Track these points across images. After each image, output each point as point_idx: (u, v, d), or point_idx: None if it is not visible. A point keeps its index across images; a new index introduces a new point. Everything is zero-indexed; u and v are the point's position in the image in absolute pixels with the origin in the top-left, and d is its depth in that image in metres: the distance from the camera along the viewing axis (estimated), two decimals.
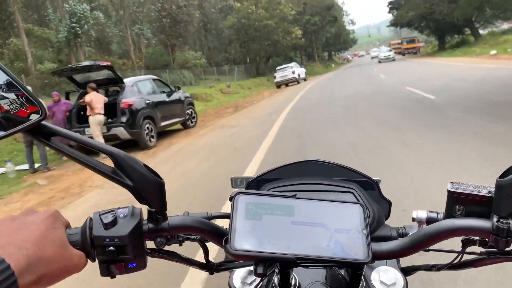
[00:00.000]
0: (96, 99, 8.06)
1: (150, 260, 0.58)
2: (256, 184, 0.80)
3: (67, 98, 9.45)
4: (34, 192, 6.18)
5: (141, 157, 7.45)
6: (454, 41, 43.35)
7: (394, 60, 38.74)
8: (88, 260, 0.54)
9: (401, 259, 0.64)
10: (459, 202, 0.55)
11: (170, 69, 32.49)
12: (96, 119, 8.02)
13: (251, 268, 0.62)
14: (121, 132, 8.27)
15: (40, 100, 0.54)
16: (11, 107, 0.51)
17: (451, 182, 0.57)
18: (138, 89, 8.99)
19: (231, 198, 0.52)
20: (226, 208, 3.46)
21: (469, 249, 0.57)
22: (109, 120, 8.37)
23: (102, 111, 8.06)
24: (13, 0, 21.38)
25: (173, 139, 9.53)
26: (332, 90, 15.73)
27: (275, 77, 28.29)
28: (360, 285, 0.57)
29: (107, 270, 0.54)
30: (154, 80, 10.15)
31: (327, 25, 49.70)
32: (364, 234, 0.51)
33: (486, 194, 0.54)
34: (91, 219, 0.54)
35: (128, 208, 0.56)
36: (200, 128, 10.84)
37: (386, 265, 0.65)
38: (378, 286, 0.62)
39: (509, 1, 33.64)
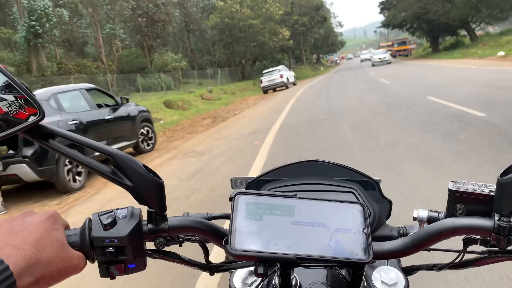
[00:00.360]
0: None
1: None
2: (256, 185, 0.78)
3: None
4: None
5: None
6: (448, 42, 41.20)
7: (390, 63, 35.09)
8: (88, 261, 0.54)
9: (402, 259, 0.63)
10: (460, 201, 0.55)
11: (147, 73, 29.56)
12: None
13: (252, 268, 0.62)
14: (24, 171, 5.37)
15: (39, 101, 0.52)
16: (10, 109, 0.50)
17: (452, 181, 0.57)
18: (58, 104, 6.09)
19: (231, 198, 0.51)
20: None
21: (470, 248, 0.57)
22: (8, 152, 5.48)
23: None
24: None
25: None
26: (330, 98, 12.97)
27: (261, 82, 25.54)
28: (361, 285, 0.56)
29: (106, 271, 0.54)
30: (89, 90, 7.21)
31: (316, 25, 47.17)
32: (365, 234, 0.51)
33: (487, 193, 0.54)
34: (90, 220, 0.54)
35: (127, 209, 0.55)
36: (158, 154, 7.95)
37: (387, 265, 0.64)
38: (379, 286, 0.61)
39: (507, 0, 31.56)
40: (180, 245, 0.62)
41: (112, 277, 0.55)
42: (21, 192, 6.30)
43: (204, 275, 2.51)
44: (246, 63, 39.31)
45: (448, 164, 4.16)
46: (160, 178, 0.56)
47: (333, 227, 0.51)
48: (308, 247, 0.49)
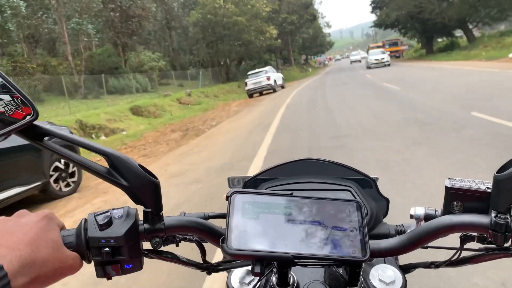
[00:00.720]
0: None
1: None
2: (253, 184, 0.78)
3: None
4: None
5: None
6: (442, 44, 39.05)
7: (389, 65, 29.69)
8: (84, 261, 0.53)
9: (399, 257, 0.63)
10: (457, 198, 0.55)
11: (120, 73, 26.55)
12: None
13: (249, 268, 0.58)
14: None
15: (32, 100, 0.52)
16: (6, 109, 0.50)
17: (448, 178, 0.57)
18: None
19: (227, 198, 0.51)
20: None
21: (467, 245, 0.57)
22: None
23: None
24: None
25: None
26: (330, 108, 10.21)
27: (246, 84, 22.76)
28: (359, 283, 0.55)
29: (103, 272, 0.54)
30: None
31: (305, 24, 44.60)
32: (362, 232, 0.50)
33: (484, 190, 0.53)
34: (86, 220, 0.54)
35: (124, 209, 0.55)
36: (76, 204, 5.08)
37: (385, 263, 0.64)
38: (377, 284, 0.61)
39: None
40: (177, 245, 0.62)
41: (109, 278, 0.54)
42: None
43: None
44: (231, 63, 36.51)
45: None
46: (156, 178, 0.55)
47: (330, 225, 0.50)
48: (305, 245, 0.49)
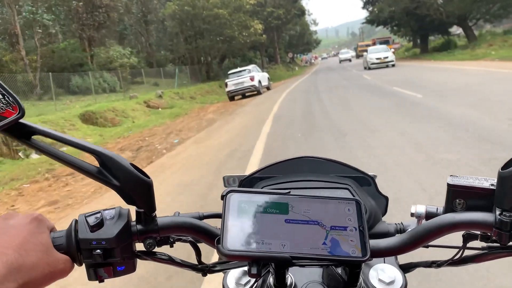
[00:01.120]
0: None
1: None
2: (249, 183, 0.76)
3: None
4: None
5: None
6: (438, 42, 36.47)
7: (393, 65, 23.77)
8: (75, 264, 0.52)
9: (399, 256, 0.60)
10: (460, 195, 0.53)
11: (85, 70, 23.09)
12: None
13: (246, 268, 0.59)
14: None
15: (18, 98, 0.50)
16: None
17: (450, 175, 0.55)
18: None
19: (222, 197, 0.49)
20: None
21: (470, 244, 0.55)
22: None
23: None
24: None
25: None
26: (340, 130, 7.01)
27: (226, 85, 19.59)
28: (358, 283, 0.54)
29: (94, 274, 0.52)
30: None
31: (293, 20, 41.54)
32: (361, 231, 0.49)
33: (488, 187, 0.52)
34: (76, 221, 0.52)
35: (115, 209, 0.53)
36: None
37: (384, 263, 0.62)
38: (377, 284, 0.59)
39: None
40: (171, 246, 0.60)
41: (101, 280, 0.53)
42: None
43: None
44: (212, 60, 33.23)
45: None
46: (149, 177, 0.53)
47: (328, 225, 0.49)
48: (303, 245, 0.47)
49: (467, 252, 0.56)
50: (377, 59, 24.16)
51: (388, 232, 0.66)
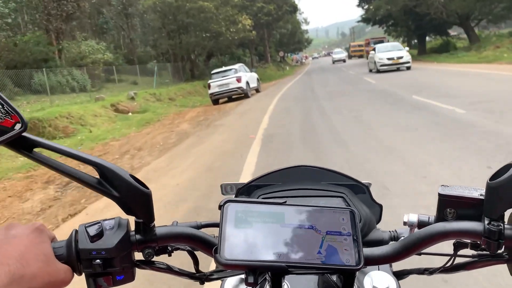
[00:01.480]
0: None
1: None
2: (246, 191, 0.77)
3: None
4: None
5: None
6: (436, 43, 34.30)
7: (409, 68, 19.06)
8: (75, 273, 0.52)
9: (393, 264, 0.61)
10: (450, 205, 0.54)
11: (51, 67, 20.24)
12: None
13: (243, 276, 0.57)
14: None
15: (19, 111, 0.50)
16: None
17: (441, 185, 0.56)
18: None
19: (220, 207, 0.50)
20: None
21: (461, 252, 0.56)
22: None
23: None
24: None
25: None
26: (376, 173, 4.46)
27: (209, 86, 16.97)
28: None
29: (94, 284, 0.53)
30: None
31: (284, 17, 38.97)
32: (355, 240, 0.50)
33: (477, 197, 0.53)
34: (76, 231, 0.53)
35: (115, 220, 0.54)
36: None
37: (379, 270, 0.63)
38: None
39: None
40: (169, 255, 0.60)
41: None
42: None
43: None
44: (196, 58, 30.52)
45: None
46: (148, 188, 0.54)
47: (323, 234, 0.50)
48: (298, 254, 0.48)
49: (458, 260, 0.57)
50: (388, 59, 18.75)
51: (383, 239, 0.66)
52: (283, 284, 0.53)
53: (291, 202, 0.51)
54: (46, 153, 0.53)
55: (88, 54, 23.10)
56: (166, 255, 0.60)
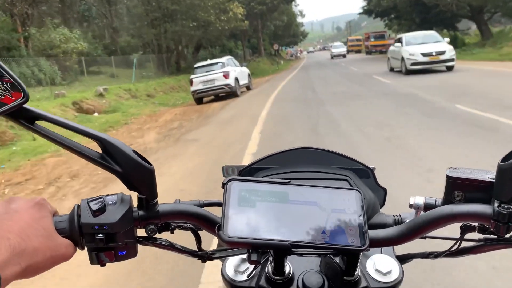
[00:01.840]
0: None
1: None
2: (248, 173, 0.74)
3: None
4: None
5: None
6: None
7: (452, 67, 13.03)
8: (77, 248, 0.52)
9: (396, 247, 0.60)
10: (459, 187, 0.53)
11: (15, 56, 17.57)
12: None
13: (244, 256, 0.59)
14: None
15: (22, 83, 0.49)
16: None
17: (449, 168, 0.55)
18: None
19: (223, 185, 0.50)
20: None
21: (467, 236, 0.55)
22: None
23: None
24: None
25: None
26: None
27: (191, 83, 14.39)
28: (356, 273, 0.54)
29: (96, 258, 0.52)
30: None
31: (279, 7, 36.25)
32: (360, 221, 0.49)
33: (487, 179, 0.51)
34: (78, 206, 0.53)
35: (117, 195, 0.54)
36: None
37: (382, 253, 0.61)
38: (374, 274, 0.58)
39: None
40: (172, 232, 0.60)
41: (103, 264, 0.53)
42: None
43: None
44: (183, 49, 27.82)
45: None
46: (151, 164, 0.53)
47: (328, 211, 0.49)
48: (302, 234, 0.47)
49: (464, 244, 0.56)
50: (424, 55, 12.82)
51: (386, 223, 0.66)
52: (285, 264, 0.53)
53: (295, 182, 0.50)
54: (48, 126, 0.52)
55: (59, 43, 20.25)
56: (169, 232, 0.59)
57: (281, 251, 0.48)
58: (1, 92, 0.47)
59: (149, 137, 7.99)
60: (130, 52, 28.11)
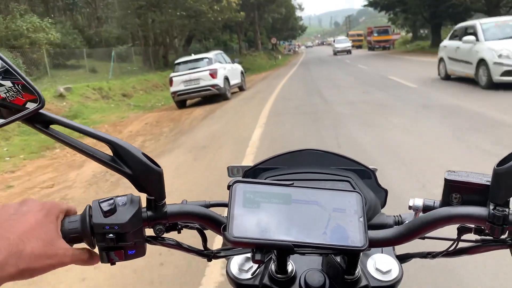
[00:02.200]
0: None
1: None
2: (252, 173, 0.77)
3: None
4: None
5: None
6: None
7: None
8: (89, 247, 0.54)
9: (396, 247, 0.63)
10: (456, 190, 0.55)
11: None
12: None
13: (248, 255, 0.61)
14: None
15: (37, 88, 0.50)
16: (8, 94, 0.49)
17: (447, 171, 0.57)
18: None
19: (229, 187, 0.51)
20: None
21: (464, 237, 0.57)
22: None
23: None
24: None
25: None
26: None
27: (171, 83, 11.79)
28: (356, 271, 0.56)
29: (106, 257, 0.54)
30: None
31: None
32: (361, 222, 0.50)
33: (484, 182, 0.53)
34: (90, 207, 0.54)
35: (127, 196, 0.55)
36: None
37: (382, 253, 0.63)
38: (374, 273, 0.60)
39: None
40: (179, 232, 0.62)
41: (112, 263, 0.55)
42: None
43: None
44: (172, 42, 25.10)
45: None
46: (159, 167, 0.55)
47: (330, 208, 0.51)
48: (304, 234, 0.49)
49: (461, 244, 0.58)
50: (510, 53, 7.41)
51: (387, 223, 0.67)
52: (288, 263, 0.55)
53: (298, 185, 0.52)
54: (62, 130, 0.54)
55: (26, 33, 17.47)
56: (176, 232, 0.61)
57: (284, 251, 0.49)
58: (12, 94, 0.48)
59: (88, 170, 5.42)
60: (116, 45, 25.38)
